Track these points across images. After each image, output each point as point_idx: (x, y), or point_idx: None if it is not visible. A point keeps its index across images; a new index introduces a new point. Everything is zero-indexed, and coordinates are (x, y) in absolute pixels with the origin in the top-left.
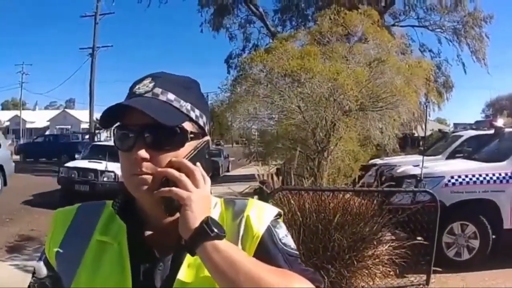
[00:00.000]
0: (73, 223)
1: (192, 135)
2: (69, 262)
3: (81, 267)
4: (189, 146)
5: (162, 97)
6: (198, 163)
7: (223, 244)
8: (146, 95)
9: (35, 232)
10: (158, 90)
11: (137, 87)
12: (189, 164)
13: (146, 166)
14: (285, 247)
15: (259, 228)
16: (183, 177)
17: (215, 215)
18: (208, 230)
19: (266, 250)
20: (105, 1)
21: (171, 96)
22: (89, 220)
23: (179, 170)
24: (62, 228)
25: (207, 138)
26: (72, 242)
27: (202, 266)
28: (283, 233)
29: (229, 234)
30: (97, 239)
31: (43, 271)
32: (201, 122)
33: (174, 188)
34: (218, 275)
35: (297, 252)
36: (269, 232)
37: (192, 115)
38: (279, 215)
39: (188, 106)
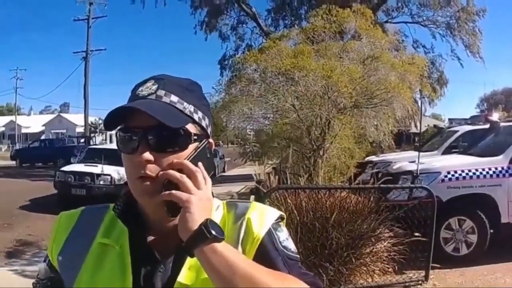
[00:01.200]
0: (76, 226)
1: (195, 137)
2: (71, 264)
3: (83, 269)
4: (192, 147)
5: (166, 99)
6: (200, 164)
7: (221, 246)
8: (149, 97)
9: (33, 237)
10: (161, 92)
11: (140, 89)
12: (190, 165)
13: (150, 168)
14: (285, 250)
15: (259, 231)
16: (184, 178)
17: (217, 217)
18: (206, 232)
19: (266, 253)
20: (98, 4)
21: (174, 98)
22: (92, 223)
23: (180, 171)
24: (65, 230)
25: (210, 139)
26: (74, 244)
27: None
28: (283, 236)
29: (230, 236)
30: (99, 242)
31: (46, 272)
32: (203, 124)
33: (174, 191)
34: (215, 277)
35: (298, 256)
36: (270, 235)
37: (195, 117)
38: (281, 218)
39: (192, 108)
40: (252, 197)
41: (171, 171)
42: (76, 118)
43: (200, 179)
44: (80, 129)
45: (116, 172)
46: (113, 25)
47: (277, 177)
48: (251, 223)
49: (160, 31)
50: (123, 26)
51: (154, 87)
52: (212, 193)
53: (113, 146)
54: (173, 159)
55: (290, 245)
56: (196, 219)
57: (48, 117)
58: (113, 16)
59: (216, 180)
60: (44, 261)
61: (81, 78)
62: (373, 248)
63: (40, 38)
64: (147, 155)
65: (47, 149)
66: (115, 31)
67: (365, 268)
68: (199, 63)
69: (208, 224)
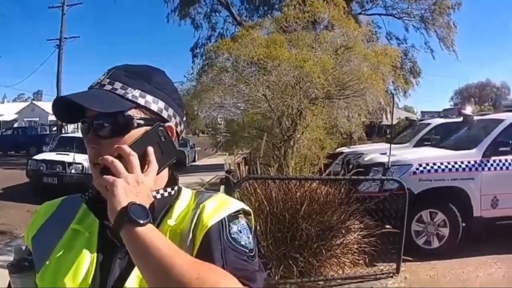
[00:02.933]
0: (55, 213)
1: (141, 121)
2: (43, 248)
3: (53, 252)
4: (139, 132)
5: (108, 87)
6: (150, 148)
7: (142, 230)
8: (95, 87)
9: (6, 226)
10: (105, 81)
11: (94, 81)
12: (126, 149)
13: (95, 154)
14: (232, 242)
15: (210, 219)
16: (114, 162)
17: (183, 205)
18: (125, 215)
19: (208, 242)
20: None
21: (117, 85)
22: (71, 210)
23: (119, 156)
24: (43, 216)
25: (162, 123)
26: (50, 230)
27: None
28: (236, 229)
29: (186, 222)
30: (72, 228)
31: (21, 253)
32: (154, 108)
33: (104, 176)
34: (134, 259)
35: (247, 250)
36: (220, 225)
37: (141, 101)
38: (243, 211)
39: (137, 93)
40: (222, 187)
41: (106, 156)
42: (49, 106)
43: (134, 162)
44: (52, 117)
45: (87, 161)
46: (88, 13)
47: (247, 167)
48: (204, 211)
49: (134, 19)
50: (98, 14)
51: (103, 76)
52: (176, 179)
53: None
54: (116, 143)
55: (242, 238)
56: (119, 202)
57: (21, 105)
58: (89, 4)
59: (187, 169)
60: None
61: (55, 66)
62: (343, 240)
63: (14, 25)
64: (90, 143)
65: (19, 137)
66: (90, 19)
67: (335, 260)
68: (173, 52)
69: (128, 208)
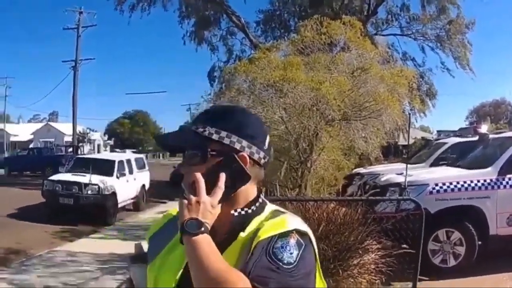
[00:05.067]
0: (170, 222)
1: (213, 153)
2: (155, 247)
3: (161, 253)
4: (214, 161)
5: (193, 127)
6: (222, 174)
7: (195, 239)
8: (185, 127)
9: (21, 245)
10: (190, 124)
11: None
12: (194, 176)
13: (185, 177)
14: (270, 254)
15: (263, 234)
16: (185, 186)
17: (258, 220)
18: (181, 229)
19: (255, 252)
20: (88, 13)
21: (199, 125)
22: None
23: (193, 181)
24: (161, 223)
25: (241, 153)
26: (163, 235)
27: None
28: (280, 244)
29: (251, 235)
30: (176, 238)
31: (140, 250)
32: (226, 141)
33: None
34: (188, 260)
35: (281, 263)
36: (269, 240)
37: (215, 137)
38: (295, 231)
39: (213, 130)
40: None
41: (184, 180)
42: (65, 127)
43: (198, 186)
44: (68, 138)
45: (103, 182)
46: (103, 34)
47: (264, 188)
48: (263, 227)
49: (150, 40)
50: (113, 36)
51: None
52: (258, 199)
53: (101, 155)
54: (195, 170)
55: (284, 255)
56: (181, 217)
57: (36, 126)
58: (103, 25)
59: None
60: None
61: (70, 87)
62: (360, 260)
63: (30, 47)
64: (182, 168)
65: (35, 158)
66: (105, 41)
67: (352, 280)
68: (189, 73)
69: (185, 222)
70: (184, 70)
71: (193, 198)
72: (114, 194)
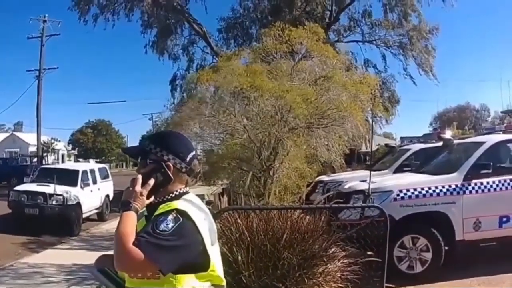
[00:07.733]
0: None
1: (151, 161)
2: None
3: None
4: (151, 166)
5: (141, 145)
6: (154, 175)
7: (125, 214)
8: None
9: None
10: (145, 141)
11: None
12: (138, 176)
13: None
14: (153, 224)
15: (158, 212)
16: (131, 181)
17: (166, 204)
18: (121, 204)
19: (150, 222)
20: (52, 22)
21: (147, 142)
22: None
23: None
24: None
25: (164, 162)
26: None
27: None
28: (162, 218)
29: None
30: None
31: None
32: (159, 154)
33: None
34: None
35: (157, 230)
36: (158, 215)
37: (153, 151)
38: (176, 210)
39: (152, 146)
40: None
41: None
42: (29, 137)
43: (136, 182)
44: (33, 148)
45: (67, 193)
46: (67, 43)
47: (227, 197)
48: (160, 208)
49: (113, 50)
50: (77, 44)
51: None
52: (177, 195)
53: (65, 165)
54: (140, 171)
55: (161, 225)
56: (123, 197)
57: (1, 136)
58: (67, 34)
59: None
60: None
61: (35, 97)
62: (325, 268)
63: None
64: (137, 170)
65: (0, 168)
66: (69, 50)
67: None
68: (151, 82)
69: (123, 202)
70: (146, 80)
71: (131, 188)
72: (78, 204)
